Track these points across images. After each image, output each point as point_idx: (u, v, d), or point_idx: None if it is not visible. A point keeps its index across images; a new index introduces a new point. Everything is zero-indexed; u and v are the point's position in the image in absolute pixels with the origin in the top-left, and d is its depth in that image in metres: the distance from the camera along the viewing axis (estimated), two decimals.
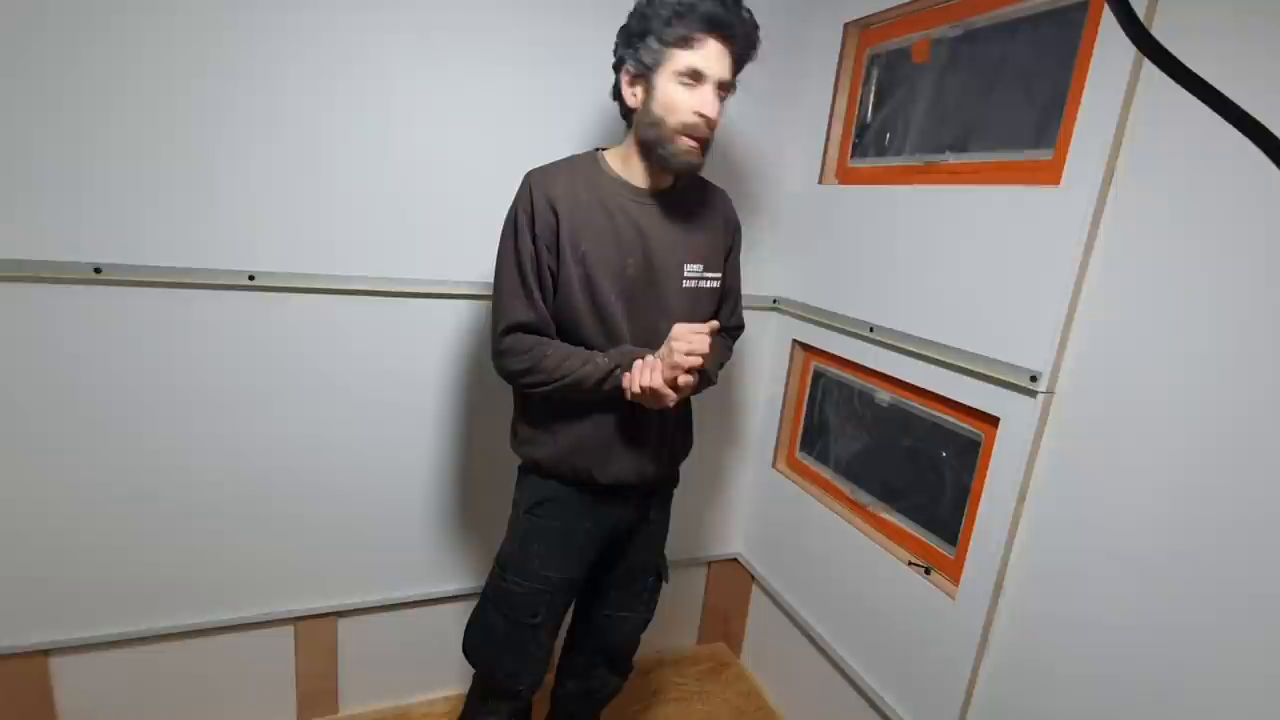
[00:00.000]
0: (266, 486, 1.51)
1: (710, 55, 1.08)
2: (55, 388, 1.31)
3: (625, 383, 1.12)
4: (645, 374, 1.09)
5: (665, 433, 1.27)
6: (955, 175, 1.40)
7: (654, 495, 1.35)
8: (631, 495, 1.28)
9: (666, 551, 1.45)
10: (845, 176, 1.70)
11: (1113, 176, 1.07)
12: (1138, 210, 1.04)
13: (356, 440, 1.55)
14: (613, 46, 1.17)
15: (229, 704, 1.61)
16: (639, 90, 1.12)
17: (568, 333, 1.18)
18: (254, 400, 1.45)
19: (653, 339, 1.19)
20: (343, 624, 1.67)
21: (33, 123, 1.20)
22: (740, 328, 1.43)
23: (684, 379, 1.09)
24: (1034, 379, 1.15)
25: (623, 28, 1.14)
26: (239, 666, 1.60)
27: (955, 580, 1.34)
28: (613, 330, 1.18)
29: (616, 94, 1.18)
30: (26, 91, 1.18)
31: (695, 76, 1.09)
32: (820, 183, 1.73)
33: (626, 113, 1.18)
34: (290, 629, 1.62)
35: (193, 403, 1.41)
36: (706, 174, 1.26)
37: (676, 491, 1.43)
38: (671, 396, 1.10)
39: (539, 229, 1.13)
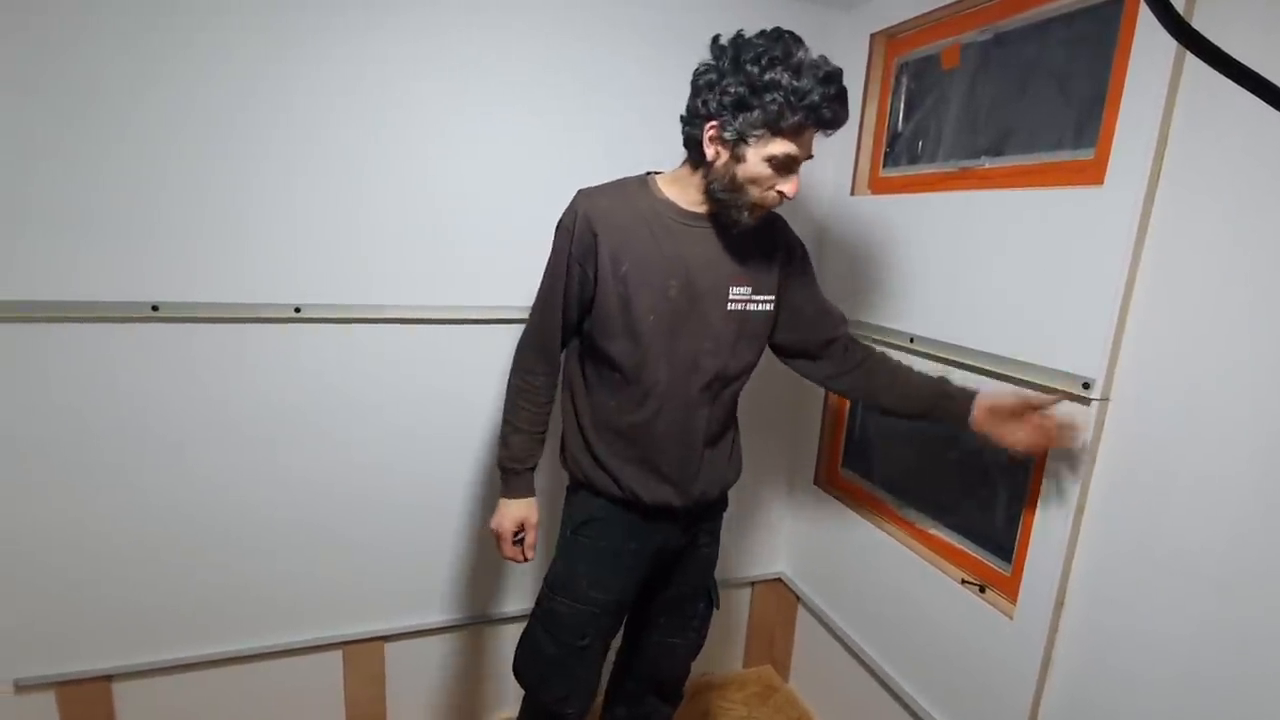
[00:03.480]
0: (315, 513, 1.54)
1: (806, 143, 1.08)
2: (117, 421, 1.37)
3: (494, 520, 1.26)
4: (502, 539, 1.26)
5: (710, 460, 1.26)
6: (992, 180, 1.37)
7: (702, 519, 1.33)
8: (678, 517, 1.27)
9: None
10: (878, 186, 1.68)
11: (1160, 172, 1.03)
12: (1188, 206, 1.00)
13: (402, 465, 1.58)
14: (694, 86, 1.10)
15: None
16: (722, 151, 1.07)
17: (599, 350, 1.18)
18: (303, 429, 1.49)
19: (694, 364, 1.18)
20: (390, 648, 1.69)
21: (94, 170, 1.27)
22: (845, 320, 1.35)
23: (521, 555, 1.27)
24: (1087, 386, 1.11)
25: (717, 83, 1.05)
26: (291, 690, 1.63)
27: (1012, 598, 1.29)
28: (645, 354, 1.16)
29: (690, 129, 1.12)
30: (88, 141, 1.26)
31: (789, 163, 1.07)
32: (853, 194, 1.71)
33: (695, 150, 1.12)
34: (339, 653, 1.64)
35: (245, 432, 1.46)
36: None
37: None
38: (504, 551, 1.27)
39: (575, 246, 1.15)
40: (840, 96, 1.05)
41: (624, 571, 1.26)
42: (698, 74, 1.10)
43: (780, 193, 1.09)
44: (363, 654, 1.66)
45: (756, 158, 1.06)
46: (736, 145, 1.06)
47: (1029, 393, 1.19)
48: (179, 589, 1.48)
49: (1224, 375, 0.95)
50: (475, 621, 1.73)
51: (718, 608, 1.42)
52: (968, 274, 1.36)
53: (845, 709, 1.79)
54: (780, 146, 1.05)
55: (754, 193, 1.09)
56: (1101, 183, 1.11)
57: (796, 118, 1.02)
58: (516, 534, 1.25)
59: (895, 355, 1.53)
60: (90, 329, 1.32)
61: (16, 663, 1.41)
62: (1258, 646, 0.91)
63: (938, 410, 1.24)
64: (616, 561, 1.25)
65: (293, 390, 1.47)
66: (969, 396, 1.21)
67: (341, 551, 1.58)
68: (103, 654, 1.46)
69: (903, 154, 1.62)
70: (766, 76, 1.01)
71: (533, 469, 1.26)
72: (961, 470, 1.45)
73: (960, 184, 1.43)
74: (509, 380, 1.25)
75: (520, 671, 1.30)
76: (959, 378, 1.37)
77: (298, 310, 1.43)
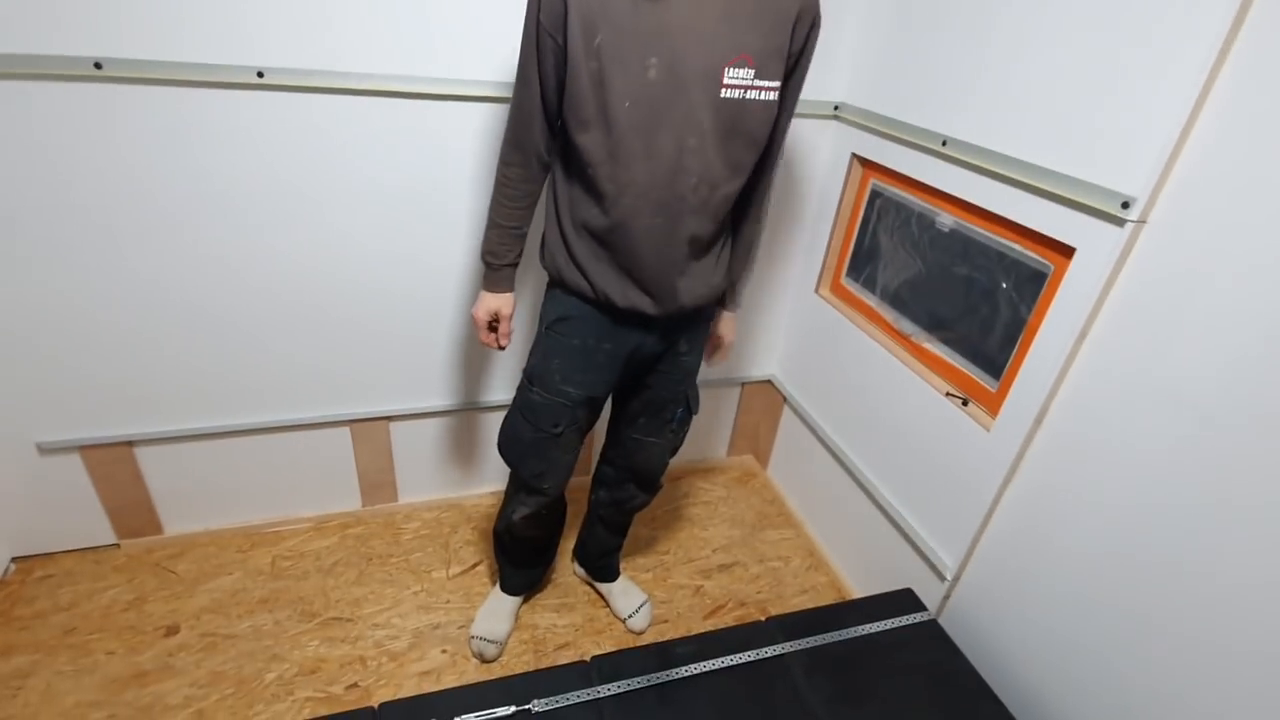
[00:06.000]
0: (306, 295, 1.52)
1: None
2: (68, 195, 1.28)
3: (473, 308, 1.26)
4: (477, 327, 1.27)
5: (694, 271, 1.18)
6: None
7: (682, 327, 1.29)
8: (654, 323, 1.22)
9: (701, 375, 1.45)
10: None
11: None
12: None
13: (388, 251, 1.53)
14: None
15: (303, 489, 1.79)
16: None
17: (571, 141, 1.06)
18: (277, 207, 1.41)
19: (677, 163, 1.05)
20: (394, 427, 1.78)
21: None
22: (769, 188, 1.25)
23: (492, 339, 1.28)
24: (1125, 205, 1.02)
25: None
26: (307, 459, 1.75)
27: (993, 413, 1.33)
28: (618, 148, 1.03)
29: None
30: None
31: None
32: None
33: None
34: (347, 430, 1.74)
35: (213, 209, 1.37)
36: None
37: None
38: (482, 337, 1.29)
39: (544, 14, 0.99)
40: None
41: (595, 369, 1.25)
42: None
43: None
44: (370, 431, 1.76)
45: None
46: None
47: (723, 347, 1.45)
48: (181, 365, 1.52)
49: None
50: (470, 408, 1.81)
51: (695, 413, 1.44)
52: (1022, 65, 1.19)
53: (816, 496, 1.96)
54: None
55: None
56: None
57: None
58: (492, 323, 1.27)
59: (924, 160, 1.43)
60: (24, 87, 1.18)
61: (35, 427, 1.48)
62: (1226, 474, 0.95)
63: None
64: (588, 359, 1.24)
65: (262, 165, 1.36)
66: (728, 304, 1.39)
67: (341, 335, 1.60)
68: (119, 423, 1.54)
69: None
70: None
71: (511, 265, 1.22)
72: (968, 288, 1.41)
73: None
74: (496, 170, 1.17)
75: (503, 451, 1.36)
76: (987, 188, 1.28)
77: (260, 75, 1.26)
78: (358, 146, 1.39)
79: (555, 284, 1.24)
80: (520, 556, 1.56)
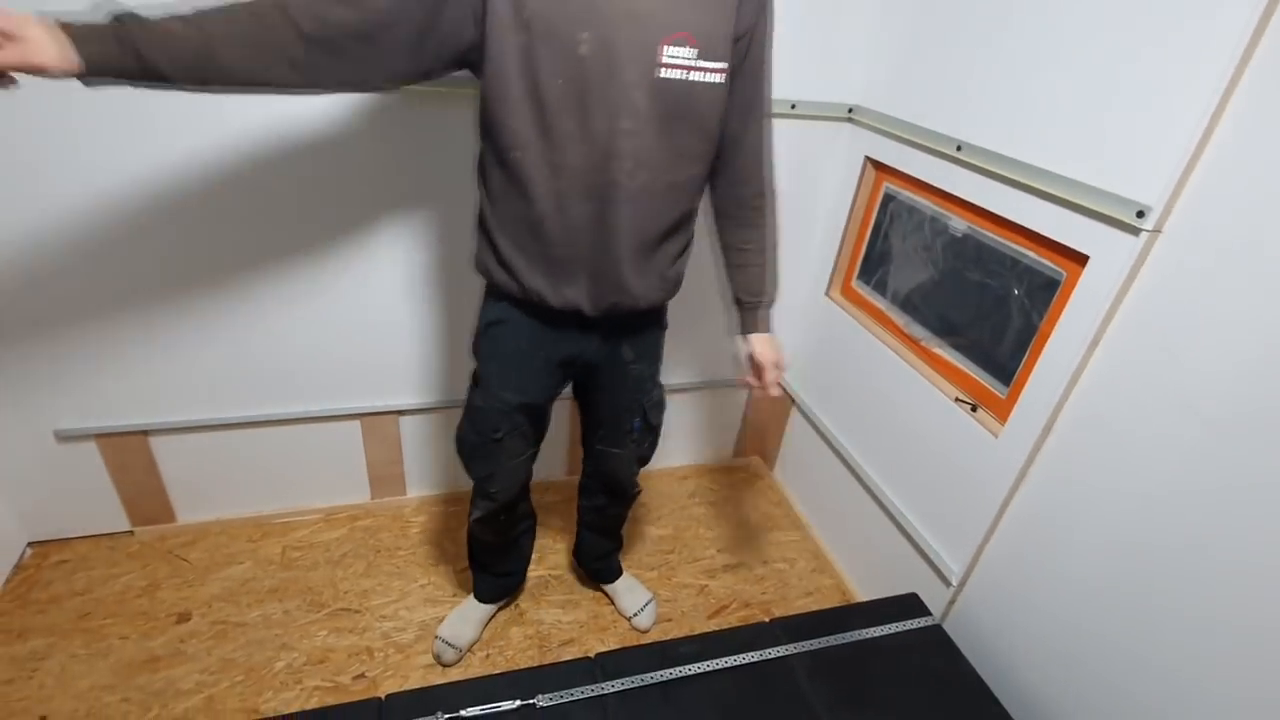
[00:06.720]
0: (312, 289, 1.54)
1: None
2: (82, 184, 1.30)
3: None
4: None
5: (638, 267, 1.08)
6: None
7: (625, 332, 1.20)
8: (593, 327, 1.14)
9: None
10: None
11: None
12: None
13: (401, 247, 1.54)
14: None
15: (314, 481, 1.81)
16: None
17: (496, 124, 0.97)
18: (289, 198, 1.42)
19: (609, 146, 0.96)
20: (404, 421, 1.80)
21: None
22: (762, 195, 1.15)
23: None
24: (1140, 214, 1.02)
25: None
26: (318, 452, 1.77)
27: (1002, 419, 1.32)
28: (549, 128, 0.95)
29: None
30: None
31: None
32: None
33: None
34: (357, 423, 1.76)
35: (221, 201, 1.39)
36: None
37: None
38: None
39: None
40: None
41: (531, 375, 1.20)
42: None
43: None
44: (379, 425, 1.77)
45: None
46: None
47: (770, 370, 1.25)
48: (197, 357, 1.53)
49: None
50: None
51: (655, 425, 1.36)
52: (1039, 70, 1.19)
53: (822, 499, 1.96)
54: None
55: None
56: None
57: None
58: None
59: (938, 165, 1.42)
60: None
61: (53, 415, 1.51)
62: (1237, 484, 0.94)
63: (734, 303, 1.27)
64: (523, 365, 1.19)
65: (274, 157, 1.37)
66: (749, 328, 1.25)
67: (352, 330, 1.61)
68: (135, 412, 1.56)
69: None
70: None
71: (122, 49, 0.80)
72: (980, 293, 1.41)
73: None
74: None
75: (457, 450, 1.32)
76: (1001, 194, 1.28)
77: None
78: (369, 141, 1.40)
79: (489, 289, 1.18)
80: (482, 558, 1.54)
